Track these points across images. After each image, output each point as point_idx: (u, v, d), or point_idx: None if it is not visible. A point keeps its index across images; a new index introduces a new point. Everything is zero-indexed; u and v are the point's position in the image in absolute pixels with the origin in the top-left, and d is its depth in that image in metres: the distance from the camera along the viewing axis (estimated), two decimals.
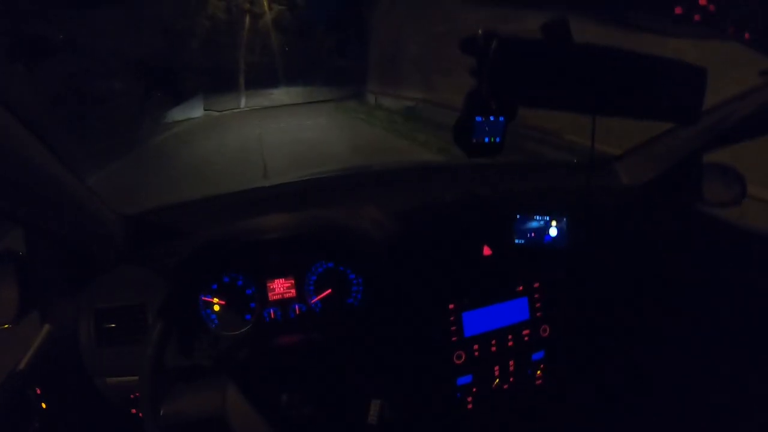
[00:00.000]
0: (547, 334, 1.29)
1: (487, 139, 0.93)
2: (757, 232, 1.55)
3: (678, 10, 0.92)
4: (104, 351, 1.11)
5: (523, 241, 1.20)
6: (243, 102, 17.87)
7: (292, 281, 1.17)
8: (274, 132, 11.81)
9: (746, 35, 0.92)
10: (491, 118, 0.92)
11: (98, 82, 11.23)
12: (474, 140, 0.92)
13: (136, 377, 1.07)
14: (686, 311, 1.48)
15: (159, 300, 1.06)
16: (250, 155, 8.70)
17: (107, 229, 1.17)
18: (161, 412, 0.97)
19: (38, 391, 1.04)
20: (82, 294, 1.13)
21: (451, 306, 1.19)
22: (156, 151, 10.28)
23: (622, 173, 1.69)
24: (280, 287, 1.17)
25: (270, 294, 1.16)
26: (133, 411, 1.16)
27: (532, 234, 1.20)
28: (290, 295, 1.18)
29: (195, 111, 15.58)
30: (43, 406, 1.04)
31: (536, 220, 1.19)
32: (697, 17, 0.92)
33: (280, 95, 19.49)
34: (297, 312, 1.18)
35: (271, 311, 1.17)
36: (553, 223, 1.20)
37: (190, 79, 16.94)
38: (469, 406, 1.26)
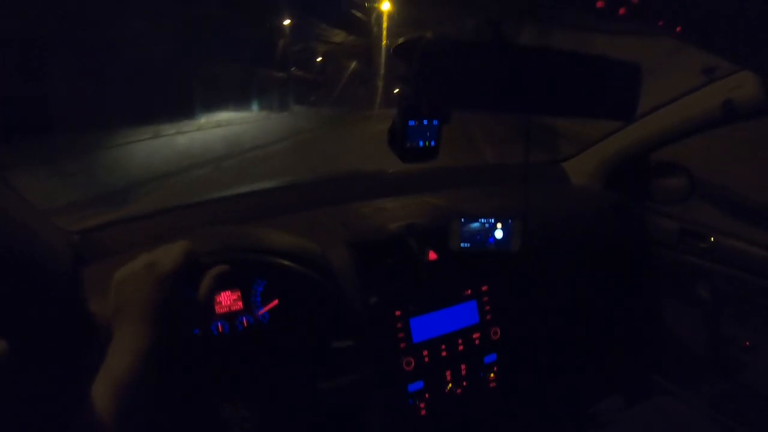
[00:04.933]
0: (498, 336, 1.28)
1: (421, 143, 0.93)
2: (705, 229, 1.57)
3: (600, 4, 0.92)
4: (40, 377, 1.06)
5: (468, 245, 1.19)
6: None
7: (239, 293, 1.14)
8: None
9: (677, 28, 0.92)
10: (425, 122, 0.91)
11: None
12: (408, 144, 0.92)
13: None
14: (634, 311, 1.49)
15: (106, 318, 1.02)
16: None
17: (53, 247, 1.13)
18: None
19: None
20: (27, 314, 1.09)
21: (397, 312, 1.18)
22: None
23: (570, 175, 1.71)
24: (227, 300, 1.14)
25: (217, 307, 1.13)
26: None
27: (478, 237, 1.19)
28: (237, 307, 1.15)
29: None
30: None
31: (481, 222, 1.19)
32: (622, 11, 0.92)
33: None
34: (245, 324, 1.15)
35: (219, 324, 1.13)
36: (498, 225, 1.19)
37: None
38: (423, 412, 1.25)
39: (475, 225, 1.19)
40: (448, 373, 1.25)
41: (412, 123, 0.91)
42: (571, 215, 1.51)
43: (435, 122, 0.92)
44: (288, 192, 1.63)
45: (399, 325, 1.18)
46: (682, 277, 1.55)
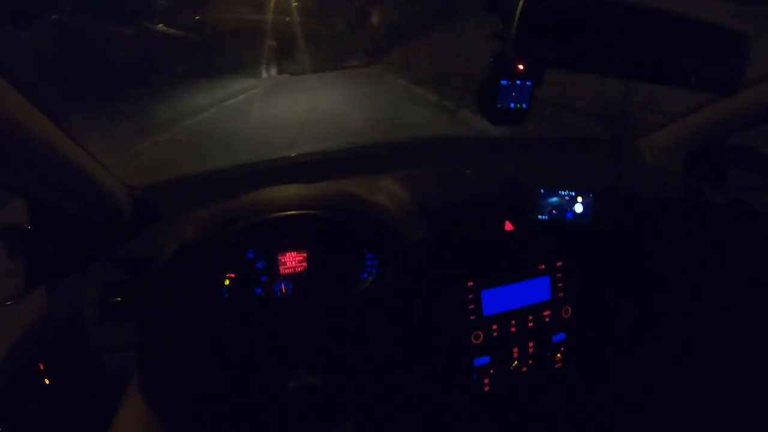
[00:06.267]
0: (568, 315, 1.24)
1: (512, 105, 0.89)
2: None
3: None
4: (109, 326, 1.09)
5: (546, 217, 1.15)
6: None
7: (305, 254, 1.14)
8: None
9: None
10: (517, 83, 0.88)
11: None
12: (499, 106, 0.88)
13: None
14: (713, 296, 1.43)
15: (166, 274, 1.04)
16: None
17: (115, 202, 1.16)
18: None
19: (41, 367, 1.03)
20: (88, 268, 1.12)
21: (470, 283, 1.15)
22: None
23: (646, 151, 1.64)
24: (292, 261, 1.13)
25: (281, 268, 1.13)
26: None
27: (556, 210, 1.15)
28: (302, 268, 1.14)
29: None
30: (46, 381, 1.03)
31: (561, 195, 1.14)
32: None
33: None
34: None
35: (282, 285, 1.13)
36: (579, 199, 1.14)
37: None
38: (486, 388, 1.22)
39: (555, 197, 1.15)
40: (515, 350, 1.22)
41: (504, 83, 0.87)
42: (649, 195, 1.44)
43: (528, 83, 0.89)
44: (361, 154, 1.62)
45: (470, 296, 1.15)
46: (754, 267, 1.47)
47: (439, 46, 15.03)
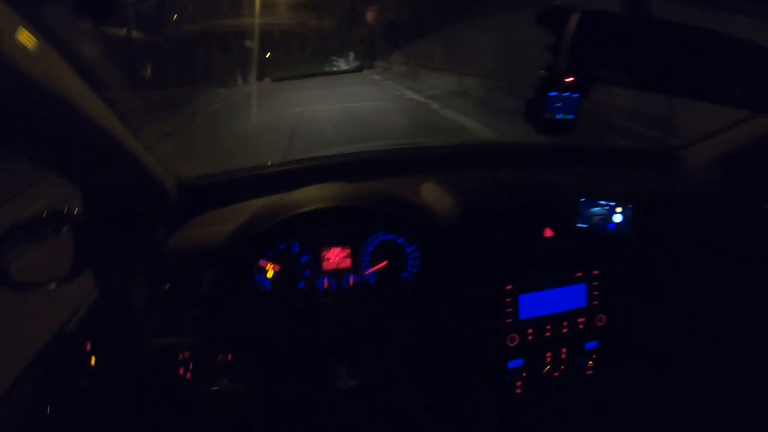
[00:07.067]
0: (602, 323, 1.26)
1: (559, 116, 0.91)
2: None
3: None
4: (156, 312, 1.14)
5: (586, 226, 1.17)
6: None
7: (348, 251, 1.18)
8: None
9: None
10: (565, 95, 0.90)
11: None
12: (545, 116, 0.91)
13: (185, 339, 1.10)
14: (750, 309, 1.42)
15: (213, 264, 1.09)
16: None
17: (165, 191, 1.21)
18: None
19: (88, 347, 1.09)
20: (137, 256, 1.16)
21: (508, 287, 1.17)
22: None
23: (688, 165, 1.63)
24: (336, 257, 1.17)
25: (325, 263, 1.17)
26: (180, 372, 1.18)
27: (596, 219, 1.17)
28: (345, 265, 1.18)
29: None
30: (92, 361, 1.08)
31: (601, 205, 1.16)
32: None
33: None
34: (351, 283, 1.19)
35: (325, 280, 1.17)
36: (618, 209, 1.16)
37: None
38: (518, 390, 1.25)
39: (595, 207, 1.17)
40: (548, 354, 1.24)
41: (552, 94, 0.90)
42: (690, 207, 1.44)
43: (576, 96, 0.91)
44: (404, 156, 1.66)
45: (508, 299, 1.18)
46: None
47: (456, 49, 12.60)
